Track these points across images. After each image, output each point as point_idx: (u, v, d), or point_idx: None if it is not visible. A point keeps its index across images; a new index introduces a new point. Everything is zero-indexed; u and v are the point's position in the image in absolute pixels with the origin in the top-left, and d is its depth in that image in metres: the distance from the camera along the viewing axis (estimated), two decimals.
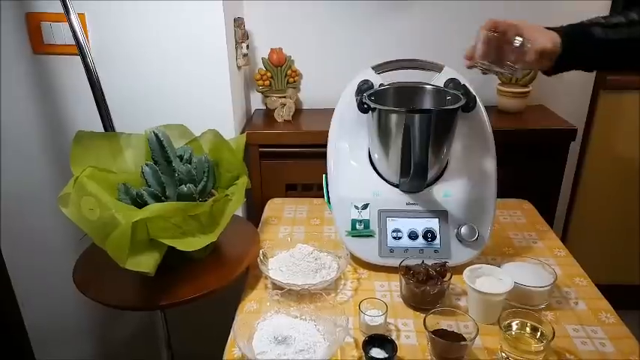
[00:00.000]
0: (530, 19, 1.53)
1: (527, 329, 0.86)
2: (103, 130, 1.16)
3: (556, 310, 0.97)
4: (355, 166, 1.15)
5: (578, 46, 0.91)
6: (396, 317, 0.96)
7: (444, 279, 0.97)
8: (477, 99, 1.09)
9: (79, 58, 1.12)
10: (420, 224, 1.09)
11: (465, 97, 1.06)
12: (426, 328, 0.84)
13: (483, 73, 0.97)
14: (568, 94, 1.71)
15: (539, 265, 1.02)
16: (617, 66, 0.96)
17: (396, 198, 1.11)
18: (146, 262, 0.91)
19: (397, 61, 1.19)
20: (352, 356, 0.87)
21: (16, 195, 1.48)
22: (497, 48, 0.92)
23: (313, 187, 1.55)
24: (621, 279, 1.94)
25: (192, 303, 0.97)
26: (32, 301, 1.63)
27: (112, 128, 1.17)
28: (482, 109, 1.11)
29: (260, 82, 1.60)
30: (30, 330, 1.67)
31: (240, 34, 1.48)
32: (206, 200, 1.02)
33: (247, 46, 1.53)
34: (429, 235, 1.08)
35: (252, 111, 1.73)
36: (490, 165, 1.11)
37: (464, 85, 1.11)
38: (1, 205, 1.48)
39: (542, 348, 0.82)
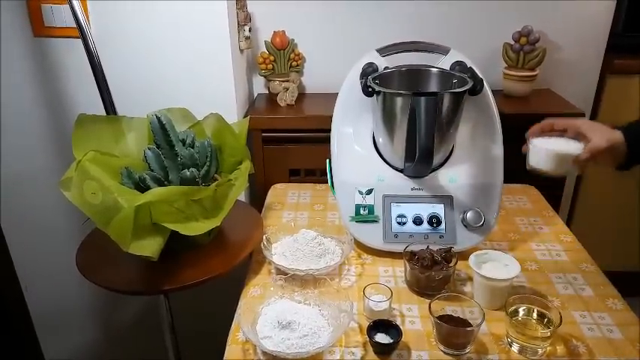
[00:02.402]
0: (532, 19, 1.52)
1: (534, 315, 0.86)
2: (104, 114, 1.15)
3: (562, 295, 0.96)
4: (359, 150, 1.14)
5: None
6: (400, 303, 0.95)
7: (450, 264, 0.96)
8: (484, 82, 1.07)
9: (80, 40, 1.10)
10: (425, 209, 1.08)
11: (472, 80, 1.04)
12: (431, 313, 0.84)
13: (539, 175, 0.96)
14: (575, 77, 1.69)
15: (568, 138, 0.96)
16: None
17: (401, 183, 1.10)
18: (149, 247, 0.91)
19: (402, 43, 1.17)
20: (357, 341, 0.86)
21: (17, 178, 1.47)
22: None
23: (316, 173, 1.54)
24: (627, 265, 1.93)
25: (196, 288, 0.96)
26: (35, 285, 1.63)
27: (114, 111, 1.15)
28: (489, 92, 1.10)
29: (263, 65, 1.58)
30: (33, 314, 1.67)
31: (243, 16, 1.46)
32: (209, 185, 1.01)
33: (250, 29, 1.51)
34: (434, 220, 1.07)
35: (255, 95, 1.71)
36: (497, 150, 1.09)
37: (470, 67, 1.10)
38: (5, 188, 1.47)
39: (548, 334, 0.82)
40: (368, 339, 0.84)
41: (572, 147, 0.91)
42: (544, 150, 0.92)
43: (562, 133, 0.95)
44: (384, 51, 1.16)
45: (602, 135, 0.89)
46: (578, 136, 0.92)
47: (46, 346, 1.72)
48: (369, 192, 1.10)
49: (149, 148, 0.99)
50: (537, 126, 0.97)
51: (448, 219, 1.07)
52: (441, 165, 1.10)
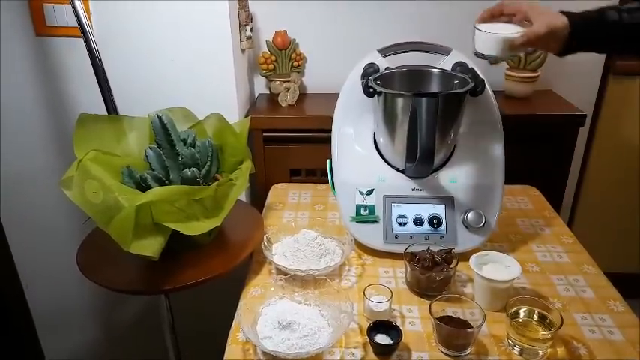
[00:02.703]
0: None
1: (535, 316, 0.86)
2: (106, 113, 1.15)
3: (563, 297, 0.96)
4: (360, 151, 1.14)
5: (588, 28, 0.90)
6: (400, 303, 0.95)
7: (450, 265, 0.96)
8: (486, 83, 1.07)
9: (82, 40, 1.10)
10: (426, 210, 1.08)
11: (473, 80, 1.04)
12: (431, 314, 0.83)
13: (491, 63, 0.98)
14: (577, 79, 1.69)
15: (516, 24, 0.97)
16: (629, 51, 0.96)
17: (402, 184, 1.10)
18: (150, 246, 0.91)
19: (404, 44, 1.17)
20: (357, 342, 0.86)
21: (19, 177, 1.47)
22: None
23: (317, 173, 1.53)
24: (628, 267, 1.93)
25: (196, 287, 0.96)
26: (36, 283, 1.63)
27: (116, 111, 1.15)
28: (491, 93, 1.10)
29: (264, 65, 1.58)
30: (34, 312, 1.67)
31: (244, 16, 1.46)
32: (210, 185, 1.01)
33: (251, 29, 1.51)
34: (435, 221, 1.07)
35: (256, 95, 1.71)
36: (498, 151, 1.09)
37: (472, 68, 1.10)
38: (6, 187, 1.48)
39: (549, 335, 0.82)
40: (368, 340, 0.84)
41: (512, 31, 0.92)
42: (484, 34, 0.94)
43: (511, 17, 0.96)
44: (385, 51, 1.15)
45: (543, 20, 0.89)
46: (525, 21, 0.93)
47: (46, 345, 1.72)
48: (370, 192, 1.10)
49: (150, 148, 1.00)
50: (487, 10, 0.98)
51: (449, 220, 1.07)
52: (442, 166, 1.10)
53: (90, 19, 1.27)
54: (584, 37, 0.90)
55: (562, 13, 0.90)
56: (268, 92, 1.67)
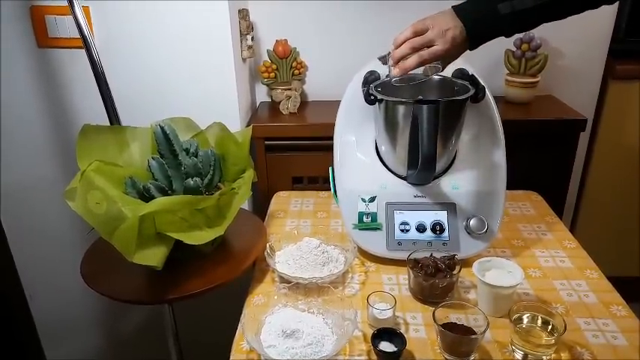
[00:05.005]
0: None
1: (538, 322, 0.85)
2: (108, 124, 1.16)
3: (567, 302, 0.96)
4: (362, 158, 1.14)
5: (486, 26, 0.96)
6: (404, 311, 0.95)
7: (453, 272, 0.96)
8: (486, 89, 1.07)
9: (83, 51, 1.11)
10: (428, 217, 1.08)
11: (474, 87, 1.05)
12: (435, 321, 0.83)
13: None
14: (577, 84, 1.69)
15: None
16: (530, 28, 1.04)
17: (404, 190, 1.10)
18: (153, 256, 0.91)
19: None
20: (361, 350, 0.86)
21: (22, 189, 1.48)
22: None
23: (319, 180, 1.54)
24: (632, 271, 1.92)
25: (200, 296, 0.96)
26: (40, 294, 1.64)
27: (118, 121, 1.16)
28: (492, 99, 1.10)
29: (265, 74, 1.59)
30: (38, 322, 1.68)
31: (245, 25, 1.47)
32: (212, 194, 1.01)
33: (252, 38, 1.52)
34: (438, 227, 1.07)
35: (257, 104, 1.72)
36: (499, 156, 1.09)
37: (472, 75, 1.10)
38: (9, 197, 1.48)
39: (553, 341, 0.82)
40: (372, 347, 0.84)
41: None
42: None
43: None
44: (385, 59, 1.16)
45: (443, 45, 0.95)
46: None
47: (49, 354, 1.72)
48: (372, 199, 1.10)
49: (153, 158, 1.00)
50: (400, 62, 0.99)
51: (451, 226, 1.07)
52: (444, 172, 1.11)
53: (91, 29, 1.28)
54: (483, 35, 0.97)
55: (455, 11, 0.96)
56: (270, 100, 1.68)
